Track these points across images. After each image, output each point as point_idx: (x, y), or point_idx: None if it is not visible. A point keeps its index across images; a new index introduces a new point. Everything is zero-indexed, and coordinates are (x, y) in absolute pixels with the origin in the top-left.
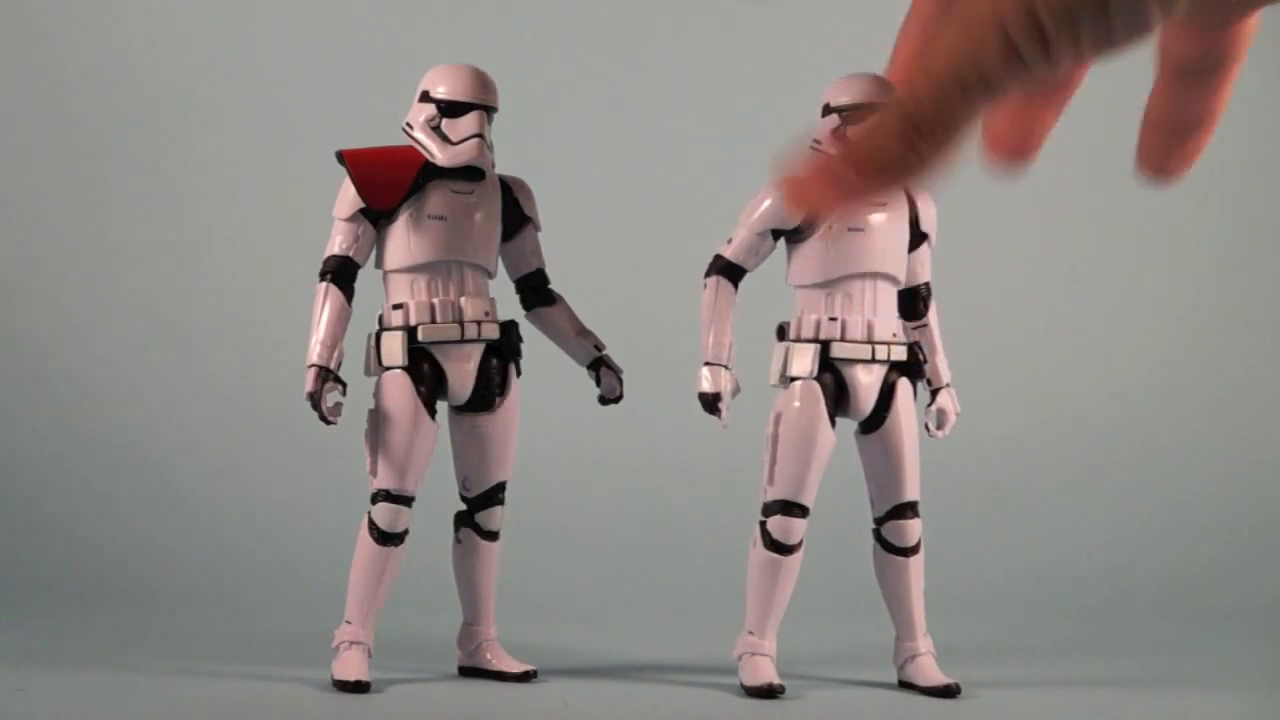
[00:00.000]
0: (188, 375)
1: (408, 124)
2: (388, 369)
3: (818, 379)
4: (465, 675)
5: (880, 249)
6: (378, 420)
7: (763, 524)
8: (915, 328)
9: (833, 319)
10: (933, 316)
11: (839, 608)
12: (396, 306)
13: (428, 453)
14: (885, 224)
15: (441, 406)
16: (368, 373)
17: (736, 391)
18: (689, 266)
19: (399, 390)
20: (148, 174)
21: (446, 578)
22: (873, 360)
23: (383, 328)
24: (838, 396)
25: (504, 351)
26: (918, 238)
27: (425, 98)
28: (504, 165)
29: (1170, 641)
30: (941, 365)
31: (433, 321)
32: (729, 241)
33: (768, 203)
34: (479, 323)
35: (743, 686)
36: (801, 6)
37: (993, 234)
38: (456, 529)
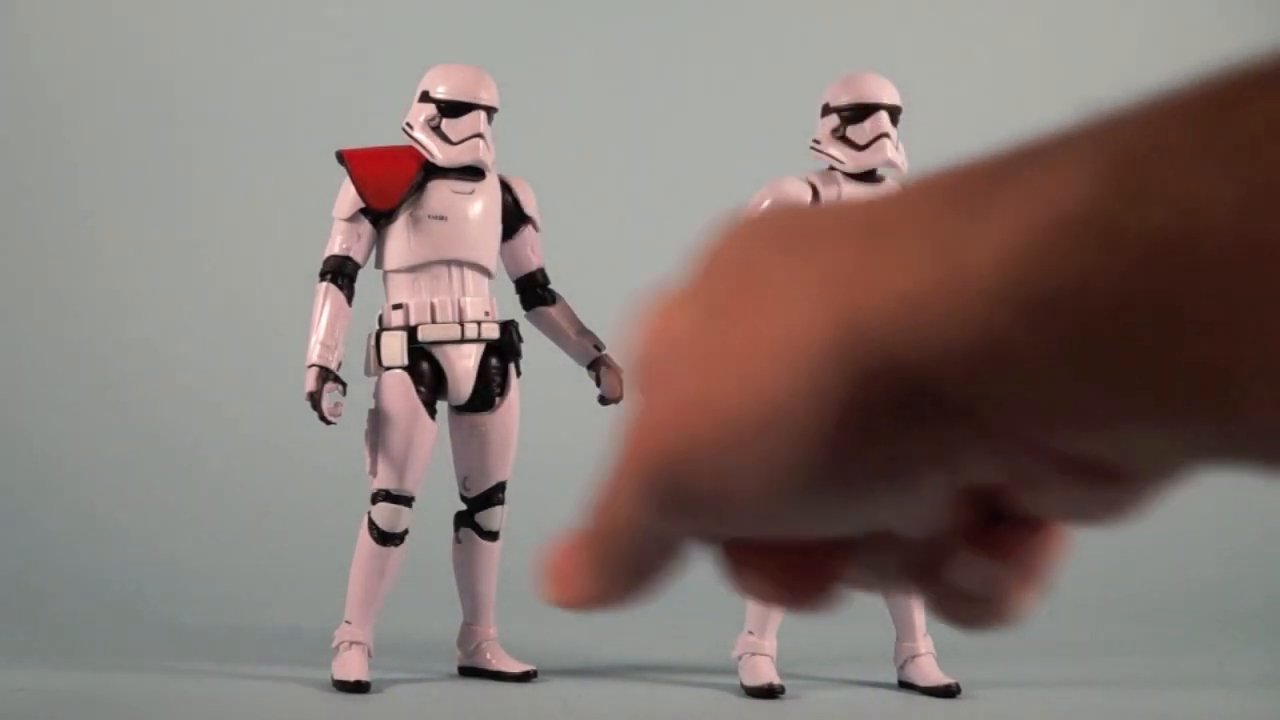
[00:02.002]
0: (187, 376)
1: (408, 124)
2: (388, 369)
3: None
4: (465, 675)
5: None
6: (378, 420)
7: None
8: None
9: None
10: None
11: (839, 608)
12: (396, 306)
13: (428, 453)
14: None
15: (441, 406)
16: (368, 373)
17: None
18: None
19: (399, 390)
20: (147, 175)
21: (446, 578)
22: None
23: (383, 328)
24: None
25: (504, 351)
26: None
27: (425, 98)
28: (504, 165)
29: (1170, 641)
30: None
31: (433, 321)
32: None
33: (768, 203)
34: (479, 322)
35: (743, 686)
36: (803, 6)
37: None
38: (456, 529)
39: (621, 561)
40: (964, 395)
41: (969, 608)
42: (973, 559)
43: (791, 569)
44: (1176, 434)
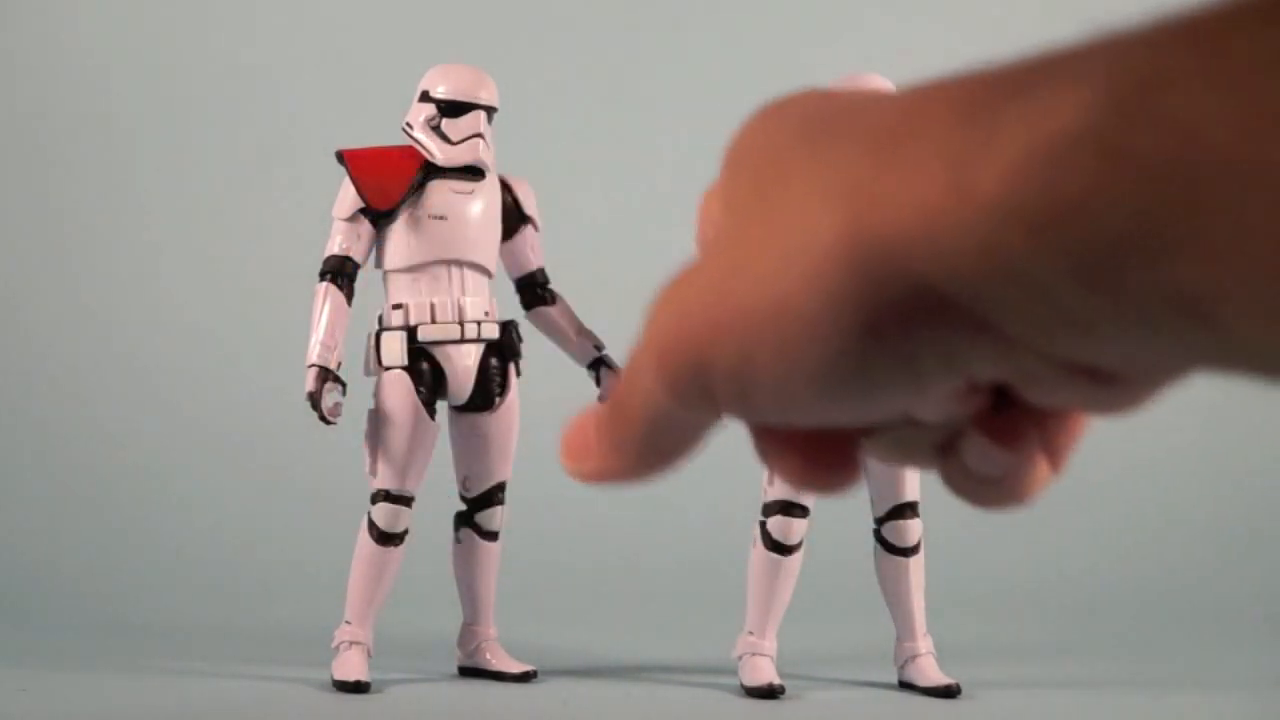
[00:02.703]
0: (187, 375)
1: (408, 124)
2: (388, 369)
3: None
4: (465, 675)
5: None
6: (377, 420)
7: (763, 524)
8: None
9: None
10: None
11: (839, 608)
12: (396, 306)
13: (428, 453)
14: None
15: (441, 406)
16: (368, 373)
17: None
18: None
19: (399, 390)
20: (147, 174)
21: (446, 578)
22: None
23: (383, 328)
24: None
25: (504, 351)
26: None
27: (425, 97)
28: (504, 165)
29: (1169, 642)
30: None
31: (433, 321)
32: None
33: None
34: (479, 322)
35: (743, 686)
36: (805, 6)
37: None
38: (456, 529)
39: (639, 439)
40: (971, 304)
41: (982, 488)
42: (984, 443)
43: (815, 446)
44: (1171, 345)
